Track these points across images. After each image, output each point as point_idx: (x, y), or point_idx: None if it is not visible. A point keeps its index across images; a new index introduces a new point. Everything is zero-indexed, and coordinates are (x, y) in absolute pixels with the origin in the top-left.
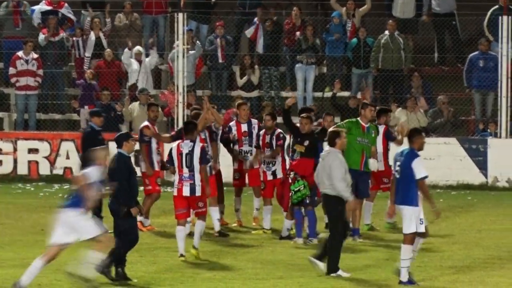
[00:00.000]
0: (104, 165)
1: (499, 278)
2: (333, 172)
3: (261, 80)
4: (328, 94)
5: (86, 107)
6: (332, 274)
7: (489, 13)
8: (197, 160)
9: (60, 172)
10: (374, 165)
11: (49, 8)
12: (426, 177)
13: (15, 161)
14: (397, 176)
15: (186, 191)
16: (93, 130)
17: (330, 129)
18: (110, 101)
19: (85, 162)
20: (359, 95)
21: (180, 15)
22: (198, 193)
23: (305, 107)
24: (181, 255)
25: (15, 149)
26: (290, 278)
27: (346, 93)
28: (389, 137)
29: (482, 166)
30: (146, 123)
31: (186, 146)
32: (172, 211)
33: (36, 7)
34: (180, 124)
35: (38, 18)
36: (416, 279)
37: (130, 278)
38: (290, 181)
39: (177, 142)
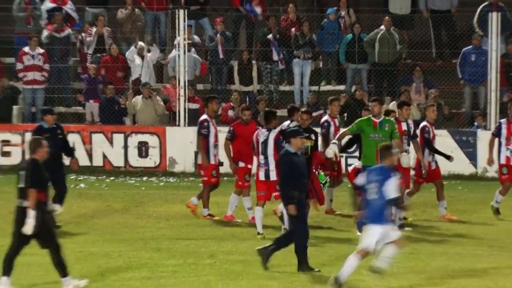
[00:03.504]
0: None
1: (488, 265)
2: None
3: (260, 74)
4: (324, 87)
5: (91, 100)
6: None
7: (479, 9)
8: (271, 147)
9: (66, 162)
10: (406, 160)
11: (54, 5)
12: None
13: (23, 152)
14: None
15: (261, 176)
16: (40, 128)
17: None
18: (114, 95)
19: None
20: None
21: (181, 11)
22: (272, 177)
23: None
24: (258, 233)
25: (23, 141)
26: (289, 266)
27: (341, 87)
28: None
29: (472, 157)
30: (205, 116)
31: (262, 135)
32: (175, 201)
33: (42, 6)
34: (182, 117)
35: (45, 15)
36: (408, 265)
37: (313, 268)
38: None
39: (257, 130)
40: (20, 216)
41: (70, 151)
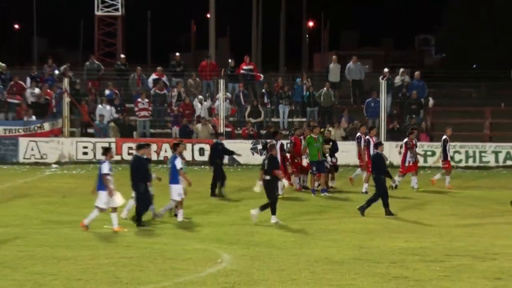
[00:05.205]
0: None
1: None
2: None
3: (263, 112)
4: (295, 119)
5: (175, 126)
6: None
7: (380, 78)
8: (278, 150)
9: (161, 158)
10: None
11: (157, 77)
12: None
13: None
14: None
15: None
16: (217, 143)
17: None
18: (187, 123)
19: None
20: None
21: (221, 80)
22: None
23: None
24: (279, 195)
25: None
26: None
27: (304, 119)
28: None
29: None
30: (292, 137)
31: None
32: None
33: (150, 77)
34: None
35: (151, 83)
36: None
37: (393, 213)
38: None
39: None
40: (265, 184)
41: (231, 153)
